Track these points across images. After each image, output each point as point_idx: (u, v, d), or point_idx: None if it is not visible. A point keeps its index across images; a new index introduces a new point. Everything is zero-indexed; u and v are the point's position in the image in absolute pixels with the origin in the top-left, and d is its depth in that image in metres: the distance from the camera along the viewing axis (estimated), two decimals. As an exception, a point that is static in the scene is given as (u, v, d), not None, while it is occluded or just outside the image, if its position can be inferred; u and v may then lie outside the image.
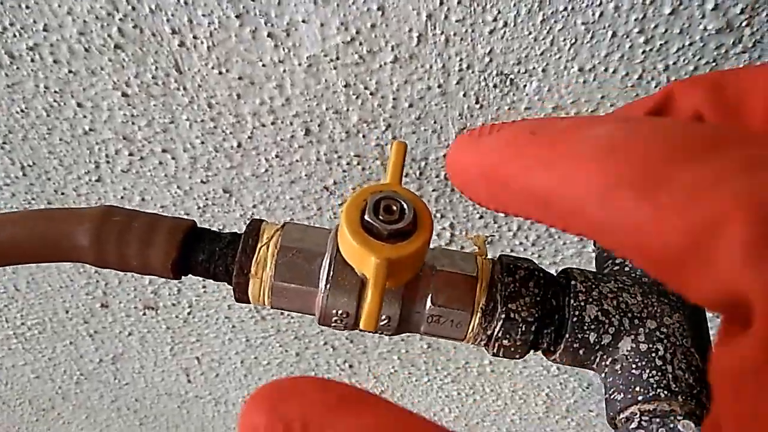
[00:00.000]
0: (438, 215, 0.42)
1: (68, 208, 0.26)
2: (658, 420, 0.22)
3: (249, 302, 0.25)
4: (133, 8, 0.32)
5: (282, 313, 0.55)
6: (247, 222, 0.26)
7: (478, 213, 0.41)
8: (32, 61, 0.36)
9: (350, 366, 0.61)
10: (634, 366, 0.23)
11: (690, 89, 0.17)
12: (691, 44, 0.30)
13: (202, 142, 0.39)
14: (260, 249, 0.25)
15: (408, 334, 0.27)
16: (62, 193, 0.45)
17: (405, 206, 0.21)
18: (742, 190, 0.11)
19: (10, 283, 0.57)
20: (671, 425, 0.22)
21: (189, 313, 0.57)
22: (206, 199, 0.44)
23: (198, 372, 0.67)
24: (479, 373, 0.58)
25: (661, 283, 0.16)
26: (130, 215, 0.25)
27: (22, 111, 0.39)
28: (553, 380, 0.56)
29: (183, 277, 0.26)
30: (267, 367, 0.63)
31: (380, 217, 0.21)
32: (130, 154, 0.41)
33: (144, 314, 0.58)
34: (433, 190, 0.40)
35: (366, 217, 0.21)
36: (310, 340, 0.58)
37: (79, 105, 0.38)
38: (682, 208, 0.11)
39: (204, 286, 0.53)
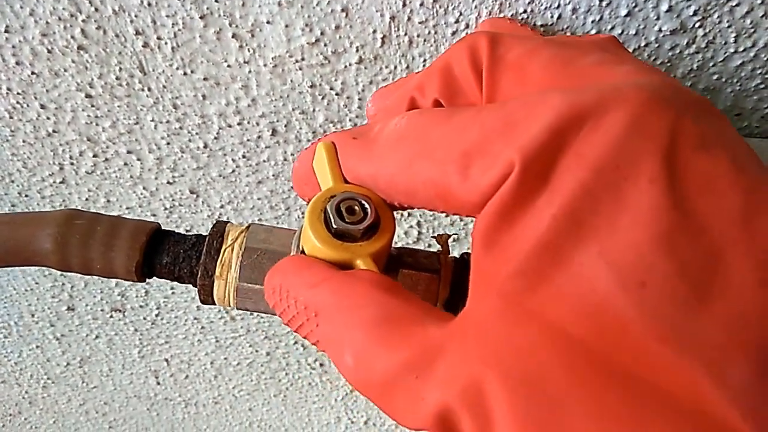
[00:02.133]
0: (405, 214, 0.42)
1: (31, 213, 0.26)
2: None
3: (214, 304, 0.25)
4: (96, 9, 0.32)
5: (251, 314, 0.55)
6: (215, 222, 0.26)
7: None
8: (-7, 62, 0.35)
9: (321, 364, 0.61)
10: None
11: (427, 85, 0.22)
12: (646, 45, 0.30)
13: (168, 143, 0.39)
14: (225, 251, 0.25)
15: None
16: (26, 195, 0.45)
17: (364, 203, 0.22)
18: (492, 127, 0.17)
19: (-27, 287, 0.56)
20: None
21: (157, 315, 0.56)
22: (173, 200, 0.43)
23: (167, 374, 0.66)
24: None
25: None
26: (93, 218, 0.25)
27: (-18, 113, 0.39)
28: None
29: (148, 279, 0.26)
30: (237, 367, 0.63)
31: (347, 221, 0.21)
32: (95, 156, 0.41)
33: (111, 317, 0.57)
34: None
35: (335, 225, 0.21)
36: (281, 339, 0.58)
37: (42, 107, 0.38)
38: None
39: (172, 288, 0.52)
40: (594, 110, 0.15)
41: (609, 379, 0.14)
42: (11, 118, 0.39)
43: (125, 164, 0.41)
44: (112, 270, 0.25)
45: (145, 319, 0.57)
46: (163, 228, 0.26)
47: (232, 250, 0.25)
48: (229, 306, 0.25)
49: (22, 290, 0.55)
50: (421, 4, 0.30)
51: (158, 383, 0.68)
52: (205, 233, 0.26)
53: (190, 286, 0.48)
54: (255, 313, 0.55)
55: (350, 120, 0.36)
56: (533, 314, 0.15)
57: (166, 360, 0.63)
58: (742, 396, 0.13)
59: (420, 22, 0.31)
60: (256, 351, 0.60)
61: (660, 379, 0.13)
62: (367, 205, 0.22)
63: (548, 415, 0.14)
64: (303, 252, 0.23)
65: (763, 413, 0.13)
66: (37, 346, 0.64)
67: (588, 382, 0.14)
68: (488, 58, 0.20)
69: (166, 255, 0.25)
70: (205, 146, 0.39)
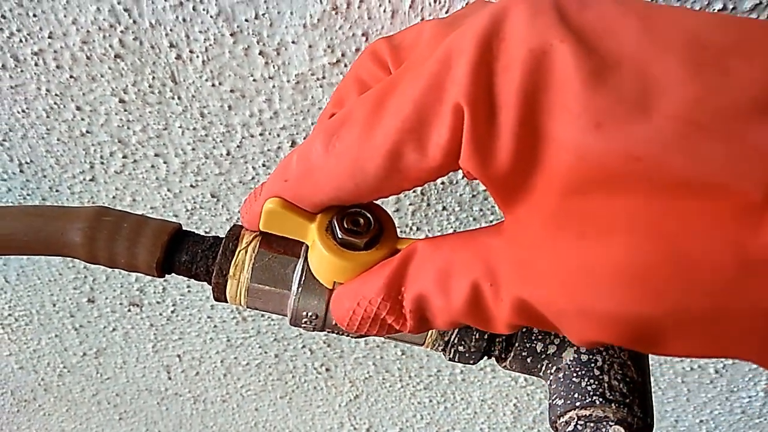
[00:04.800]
0: (414, 228, 0.44)
1: (64, 207, 0.28)
2: (592, 424, 0.24)
3: (227, 302, 0.27)
4: (134, 22, 0.34)
5: (262, 316, 0.57)
6: (232, 225, 0.28)
7: (451, 227, 0.44)
8: (36, 65, 0.38)
9: (327, 369, 0.63)
10: (574, 375, 0.26)
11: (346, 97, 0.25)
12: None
13: (193, 149, 0.41)
14: (239, 253, 0.27)
15: (372, 338, 0.29)
16: (57, 191, 0.47)
17: (368, 215, 0.24)
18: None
19: (0, 275, 0.58)
20: (603, 430, 0.24)
21: (173, 312, 0.59)
22: (194, 202, 0.46)
23: (179, 369, 0.68)
24: (450, 381, 0.60)
25: None
26: (120, 216, 0.27)
27: (23, 111, 0.41)
28: (521, 391, 0.59)
29: (167, 275, 0.28)
30: (246, 367, 0.65)
31: (352, 232, 0.23)
32: (124, 157, 0.43)
33: (129, 311, 0.60)
34: (410, 204, 0.42)
35: (340, 236, 0.23)
36: (289, 342, 0.60)
37: (78, 108, 0.40)
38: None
39: (188, 286, 0.55)
40: (491, 28, 0.18)
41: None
42: (48, 117, 0.41)
43: (152, 166, 0.43)
44: (135, 265, 0.27)
45: (161, 314, 0.59)
46: (183, 229, 0.28)
47: (246, 252, 0.27)
48: (240, 304, 0.27)
49: (46, 280, 0.58)
50: (436, 33, 0.32)
51: (169, 378, 0.70)
52: (222, 236, 0.28)
53: (206, 285, 0.51)
54: (266, 316, 0.57)
55: (365, 136, 0.38)
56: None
57: (179, 356, 0.66)
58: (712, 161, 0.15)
59: (434, 49, 0.32)
60: (265, 352, 0.62)
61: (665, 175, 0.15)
62: (370, 217, 0.24)
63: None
64: (307, 261, 0.25)
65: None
66: (56, 335, 0.66)
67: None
68: (389, 50, 0.23)
69: (185, 254, 0.27)
70: (228, 153, 0.41)
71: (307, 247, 0.25)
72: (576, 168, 0.16)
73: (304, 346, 0.60)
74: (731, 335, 0.16)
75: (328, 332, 0.27)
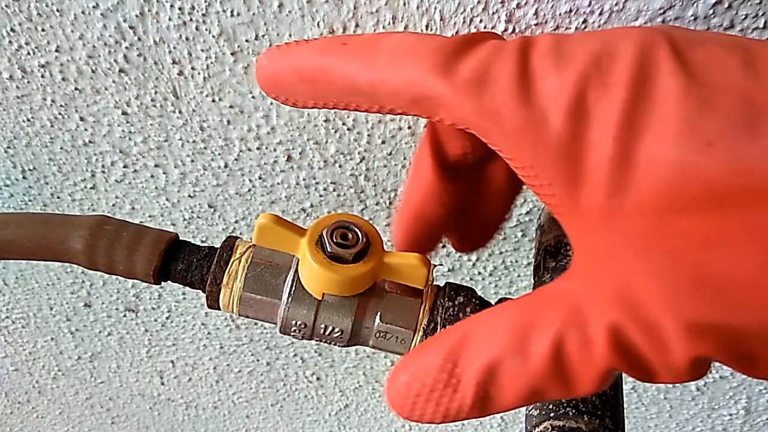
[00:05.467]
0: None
1: (66, 215, 0.29)
2: (565, 435, 0.25)
3: (220, 309, 0.29)
4: (139, 39, 0.36)
5: (255, 324, 0.58)
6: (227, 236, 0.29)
7: (441, 242, 0.45)
8: (42, 77, 0.39)
9: (318, 378, 0.64)
10: (550, 387, 0.27)
11: None
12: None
13: (192, 161, 0.43)
14: (233, 263, 0.28)
15: (363, 348, 0.30)
16: (58, 197, 0.49)
17: (356, 229, 0.25)
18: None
19: (0, 277, 0.60)
20: (575, 440, 0.25)
21: (167, 318, 0.60)
22: (192, 212, 0.47)
23: (172, 375, 0.69)
24: (438, 393, 0.61)
25: None
26: (120, 225, 0.28)
27: (28, 120, 0.43)
28: None
29: (163, 283, 0.29)
30: (238, 374, 0.66)
31: (340, 245, 0.25)
32: (125, 167, 0.44)
33: (125, 316, 0.61)
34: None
35: (329, 249, 0.25)
36: (281, 351, 0.61)
37: (81, 119, 0.41)
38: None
39: (183, 293, 0.56)
40: (603, 53, 0.18)
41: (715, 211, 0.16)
42: (52, 126, 0.43)
43: (152, 176, 0.44)
44: (133, 272, 0.28)
45: (156, 320, 0.60)
46: (180, 238, 0.29)
47: (239, 262, 0.28)
48: (233, 312, 0.28)
49: (44, 284, 0.59)
50: (428, 57, 0.33)
51: (162, 383, 0.71)
52: (217, 245, 0.29)
53: (200, 292, 0.52)
54: (258, 324, 0.58)
55: (359, 153, 0.40)
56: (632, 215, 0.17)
57: (172, 362, 0.67)
58: None
59: (426, 72, 0.34)
60: (257, 360, 0.63)
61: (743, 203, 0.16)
62: (358, 232, 0.25)
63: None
64: (297, 272, 0.26)
65: None
66: (52, 339, 0.67)
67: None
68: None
69: (181, 262, 0.28)
70: (226, 166, 0.43)
71: (298, 259, 0.27)
72: (678, 187, 0.17)
73: (295, 355, 0.61)
74: None
75: (317, 341, 0.29)
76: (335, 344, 0.29)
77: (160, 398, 0.74)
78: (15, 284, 0.60)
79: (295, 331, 0.28)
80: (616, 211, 0.18)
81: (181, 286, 0.30)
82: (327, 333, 0.28)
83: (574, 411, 0.26)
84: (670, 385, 0.53)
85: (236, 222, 0.47)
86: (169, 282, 0.29)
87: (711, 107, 0.17)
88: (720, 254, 0.17)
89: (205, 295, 0.28)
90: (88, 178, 0.46)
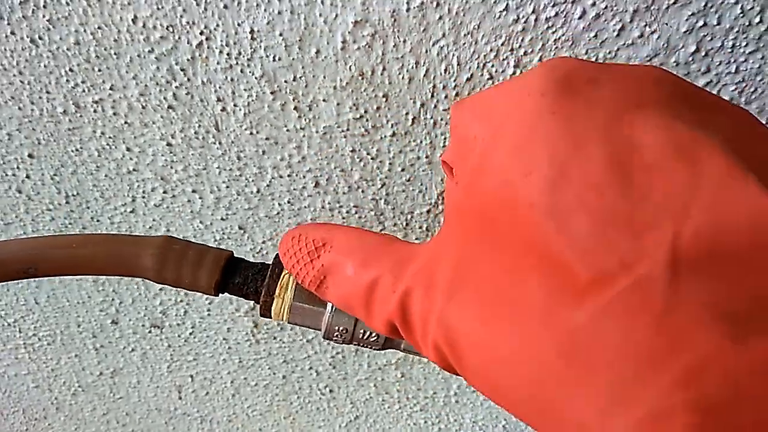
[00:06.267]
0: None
1: (137, 236, 0.33)
2: None
3: (271, 317, 0.33)
4: (189, 79, 0.40)
5: (275, 338, 0.62)
6: (255, 255, 0.33)
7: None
8: (94, 111, 0.44)
9: (330, 391, 0.67)
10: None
11: None
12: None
13: (227, 187, 0.47)
14: (284, 276, 0.32)
15: (375, 360, 0.34)
16: (97, 221, 0.53)
17: None
18: None
19: (32, 296, 0.63)
20: None
21: (191, 334, 0.63)
22: (223, 233, 0.51)
23: (190, 389, 0.73)
24: (445, 403, 0.65)
25: None
26: (186, 245, 0.33)
27: (76, 150, 0.47)
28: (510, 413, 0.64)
29: (220, 294, 0.33)
30: (254, 387, 0.70)
31: None
32: (164, 192, 0.49)
33: (150, 332, 0.65)
34: (416, 239, 0.48)
35: None
36: (297, 364, 0.65)
37: (128, 149, 0.46)
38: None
39: (209, 310, 0.60)
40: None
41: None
42: (99, 156, 0.47)
43: (188, 201, 0.49)
44: (197, 285, 0.32)
45: (179, 336, 0.64)
46: (235, 255, 0.34)
47: (290, 276, 0.32)
48: (282, 320, 0.33)
49: (75, 302, 0.63)
50: (446, 97, 0.38)
51: (180, 398, 0.75)
52: (269, 262, 0.33)
53: (225, 309, 0.56)
54: (278, 338, 0.62)
55: (380, 180, 0.44)
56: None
57: (191, 376, 0.70)
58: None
59: (444, 110, 0.39)
60: (274, 374, 0.67)
61: (524, 234, 0.18)
62: None
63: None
64: None
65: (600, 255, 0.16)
66: (76, 355, 0.71)
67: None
68: None
69: (238, 276, 0.33)
70: (258, 191, 0.47)
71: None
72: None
73: (311, 368, 0.65)
74: None
75: (355, 345, 0.33)
76: (371, 348, 0.33)
77: (176, 413, 0.78)
78: (46, 303, 0.64)
79: (337, 336, 0.32)
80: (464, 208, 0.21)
81: (208, 303, 0.34)
82: (365, 337, 0.32)
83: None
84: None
85: (263, 242, 0.51)
86: (226, 294, 0.33)
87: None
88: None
89: (259, 305, 0.32)
90: (129, 202, 0.50)
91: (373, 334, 0.32)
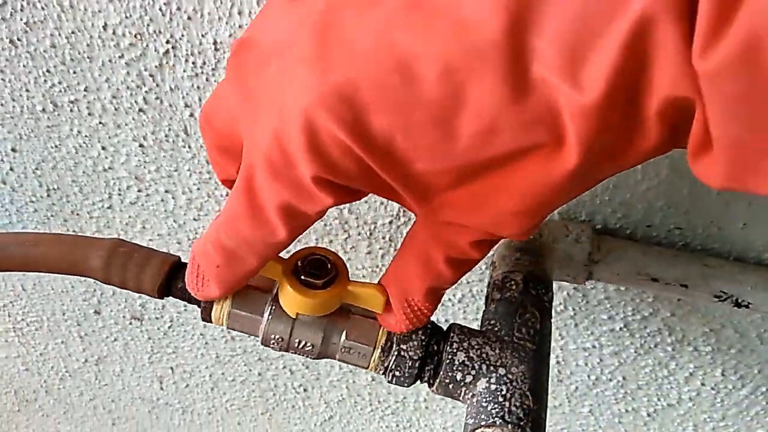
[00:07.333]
0: (382, 269, 0.51)
1: (88, 237, 0.35)
2: (492, 440, 0.31)
3: (212, 322, 0.34)
4: (157, 85, 0.42)
5: (249, 337, 0.63)
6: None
7: (415, 271, 0.50)
8: (71, 111, 0.45)
9: (304, 390, 0.69)
10: (484, 400, 0.32)
11: None
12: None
13: (198, 188, 0.48)
14: (225, 283, 0.33)
15: (327, 360, 0.35)
16: (77, 214, 0.54)
17: (326, 261, 0.30)
18: None
19: (19, 283, 0.65)
20: (500, 444, 0.30)
21: (169, 327, 0.65)
22: (196, 233, 0.53)
23: (171, 381, 0.75)
24: (415, 408, 0.66)
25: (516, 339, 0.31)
26: (133, 248, 0.34)
27: (55, 146, 0.49)
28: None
29: (165, 297, 0.35)
30: (232, 383, 0.71)
31: (312, 275, 0.30)
32: (139, 191, 0.50)
33: (130, 323, 0.66)
34: (380, 248, 0.49)
35: (303, 276, 0.30)
36: (271, 362, 0.66)
37: (103, 148, 0.47)
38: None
39: (185, 306, 0.61)
40: None
41: None
42: (76, 153, 0.49)
43: (162, 200, 0.50)
44: (141, 287, 0.34)
45: (158, 329, 0.66)
46: (182, 261, 0.35)
47: (230, 284, 0.33)
48: (222, 325, 0.34)
49: (59, 291, 0.65)
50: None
51: (161, 388, 0.76)
52: (212, 269, 0.34)
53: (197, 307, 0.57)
54: (251, 338, 0.63)
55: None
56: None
57: (171, 368, 0.72)
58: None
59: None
60: (250, 370, 0.68)
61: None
62: (327, 263, 0.31)
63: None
64: (277, 294, 0.31)
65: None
66: (62, 342, 0.73)
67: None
68: None
69: (181, 281, 0.34)
70: (227, 194, 0.48)
71: (277, 284, 0.32)
72: None
73: (284, 367, 0.66)
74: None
75: (292, 352, 0.34)
76: (307, 356, 0.34)
77: (159, 402, 0.80)
78: (32, 290, 0.66)
79: (273, 343, 0.33)
80: None
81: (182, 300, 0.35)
82: (300, 346, 0.33)
83: (500, 420, 0.31)
84: (624, 411, 0.58)
85: (235, 244, 0.53)
86: (170, 297, 0.35)
87: None
88: None
89: (200, 309, 0.34)
90: (106, 199, 0.52)
91: (308, 344, 0.33)
